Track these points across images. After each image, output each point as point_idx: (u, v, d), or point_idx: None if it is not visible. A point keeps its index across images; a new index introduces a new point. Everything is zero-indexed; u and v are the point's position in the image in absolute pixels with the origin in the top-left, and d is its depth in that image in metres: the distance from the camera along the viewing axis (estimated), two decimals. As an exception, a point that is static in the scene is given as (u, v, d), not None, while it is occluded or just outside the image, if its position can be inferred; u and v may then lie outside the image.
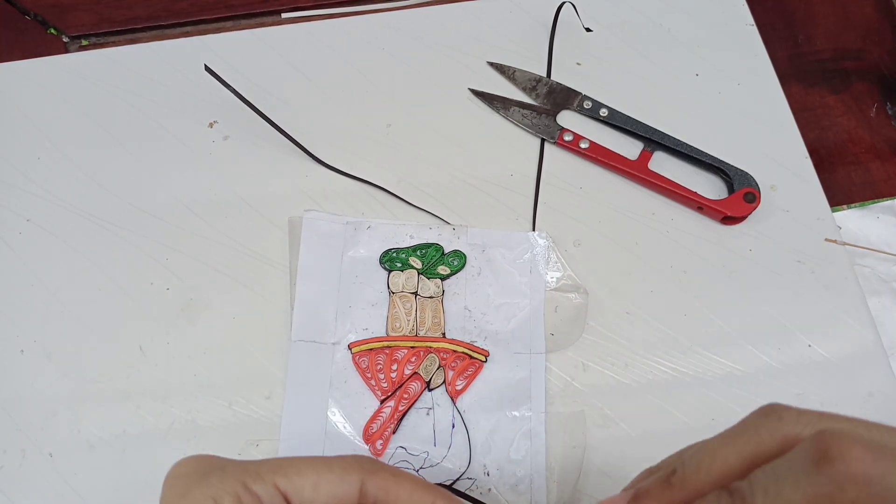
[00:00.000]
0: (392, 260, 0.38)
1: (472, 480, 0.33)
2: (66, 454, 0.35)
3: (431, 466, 0.34)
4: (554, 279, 0.38)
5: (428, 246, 0.38)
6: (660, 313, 0.37)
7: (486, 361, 0.36)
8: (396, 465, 0.34)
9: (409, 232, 0.39)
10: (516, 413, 0.35)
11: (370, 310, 0.37)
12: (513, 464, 0.34)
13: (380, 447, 0.34)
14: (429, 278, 0.37)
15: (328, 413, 0.35)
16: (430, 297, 0.37)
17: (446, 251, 0.38)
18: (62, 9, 0.48)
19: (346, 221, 0.39)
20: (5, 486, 0.34)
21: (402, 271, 0.38)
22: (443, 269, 0.38)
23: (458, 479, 0.34)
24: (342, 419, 0.35)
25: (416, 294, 0.37)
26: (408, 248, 0.38)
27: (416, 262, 0.38)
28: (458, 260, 0.38)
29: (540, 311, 0.37)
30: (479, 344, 0.36)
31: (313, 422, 0.35)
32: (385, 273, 0.38)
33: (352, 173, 0.41)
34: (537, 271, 0.38)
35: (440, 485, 0.33)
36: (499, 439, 0.34)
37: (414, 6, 0.48)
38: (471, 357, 0.36)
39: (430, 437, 0.34)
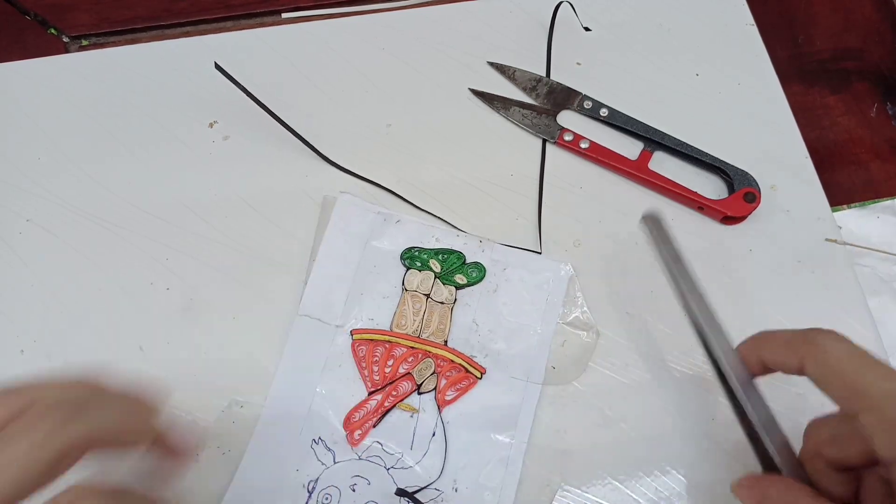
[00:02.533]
0: (413, 258, 0.38)
1: (439, 493, 0.33)
2: (66, 454, 0.35)
3: (403, 468, 0.34)
4: (568, 313, 0.37)
5: (451, 252, 0.38)
6: (660, 313, 0.37)
7: (480, 378, 0.36)
8: (369, 459, 0.34)
9: (436, 234, 0.39)
10: (499, 437, 0.34)
11: (380, 301, 0.37)
12: (483, 487, 0.33)
13: (357, 437, 0.34)
14: (444, 284, 0.37)
15: (316, 390, 0.35)
16: (441, 303, 0.37)
17: (467, 261, 0.38)
18: (62, 9, 0.48)
19: (377, 211, 0.39)
20: (5, 486, 0.34)
21: (419, 271, 0.38)
22: (460, 279, 0.38)
23: (425, 487, 0.33)
24: (328, 401, 0.35)
25: (428, 296, 0.37)
26: (431, 249, 0.38)
27: (435, 265, 0.38)
28: (477, 272, 0.38)
29: (547, 341, 0.36)
30: (479, 360, 0.36)
31: (300, 396, 0.35)
32: (403, 269, 0.38)
33: (357, 172, 0.41)
34: (553, 301, 0.37)
35: (403, 490, 0.33)
36: (475, 459, 0.34)
37: (414, 6, 0.48)
38: (467, 370, 0.36)
39: (408, 439, 0.34)
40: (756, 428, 0.29)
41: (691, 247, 0.39)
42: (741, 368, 0.29)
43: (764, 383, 0.36)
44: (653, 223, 0.32)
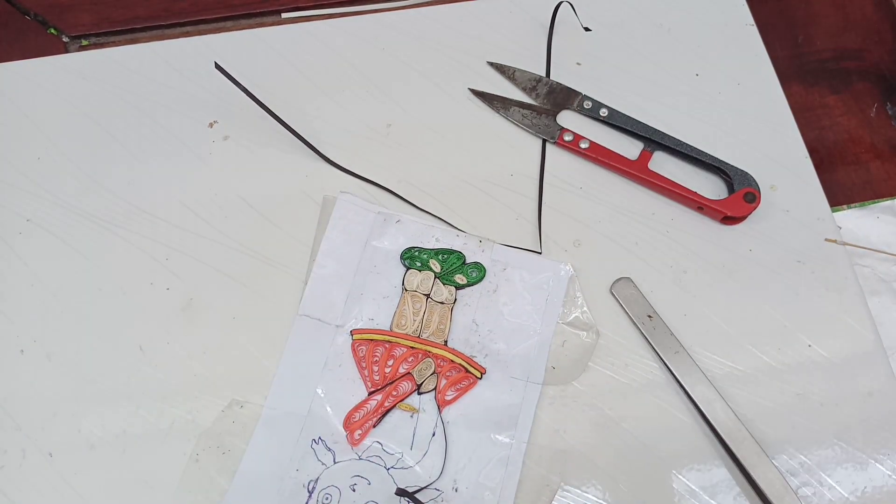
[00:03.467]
0: (413, 258, 0.38)
1: (440, 493, 0.33)
2: (66, 454, 0.35)
3: (403, 468, 0.34)
4: (568, 313, 0.37)
5: (451, 252, 0.38)
6: (660, 313, 0.37)
7: (480, 378, 0.36)
8: (369, 459, 0.34)
9: (436, 234, 0.39)
10: (499, 437, 0.34)
11: (380, 301, 0.37)
12: (483, 487, 0.33)
13: (358, 437, 0.34)
14: (444, 284, 0.37)
15: (316, 390, 0.35)
16: (441, 303, 0.37)
17: (467, 261, 0.38)
18: (62, 9, 0.48)
19: (377, 211, 0.39)
20: (5, 486, 0.34)
21: (419, 271, 0.38)
22: (460, 279, 0.37)
23: (425, 487, 0.33)
24: (328, 401, 0.35)
25: (428, 296, 0.37)
26: (431, 249, 0.38)
27: (435, 266, 0.38)
28: (477, 272, 0.38)
29: (547, 341, 0.36)
30: (479, 360, 0.36)
31: (300, 397, 0.35)
32: (403, 269, 0.38)
33: (357, 173, 0.41)
34: (553, 302, 0.37)
35: (403, 490, 0.33)
36: (475, 459, 0.34)
37: (414, 6, 0.48)
38: (467, 371, 0.36)
39: (408, 439, 0.34)
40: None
41: (691, 247, 0.39)
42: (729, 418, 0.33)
43: (762, 382, 0.36)
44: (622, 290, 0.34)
